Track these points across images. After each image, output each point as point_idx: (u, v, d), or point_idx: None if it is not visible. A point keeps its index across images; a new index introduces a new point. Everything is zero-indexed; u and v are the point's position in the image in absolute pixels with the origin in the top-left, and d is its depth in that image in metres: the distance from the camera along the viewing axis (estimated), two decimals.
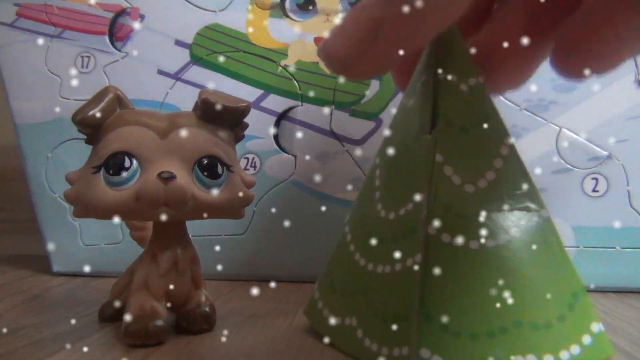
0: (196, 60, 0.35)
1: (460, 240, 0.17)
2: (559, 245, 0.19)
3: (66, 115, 0.34)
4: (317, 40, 0.34)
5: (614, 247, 0.32)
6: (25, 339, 0.23)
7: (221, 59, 0.34)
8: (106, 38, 0.35)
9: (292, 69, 0.34)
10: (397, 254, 0.18)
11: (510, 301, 0.17)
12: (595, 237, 0.32)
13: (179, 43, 0.35)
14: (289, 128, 0.34)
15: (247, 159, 0.34)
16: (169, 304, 0.23)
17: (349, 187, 0.34)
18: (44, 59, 0.35)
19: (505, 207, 0.18)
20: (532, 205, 0.18)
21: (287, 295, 0.31)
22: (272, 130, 0.34)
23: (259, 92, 0.34)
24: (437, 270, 0.17)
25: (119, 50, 0.35)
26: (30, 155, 0.35)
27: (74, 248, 0.35)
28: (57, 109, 0.35)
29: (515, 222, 0.18)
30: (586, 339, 0.18)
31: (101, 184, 0.21)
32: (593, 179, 0.33)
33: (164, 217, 0.21)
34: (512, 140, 0.18)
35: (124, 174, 0.21)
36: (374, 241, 0.19)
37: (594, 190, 0.32)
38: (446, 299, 0.17)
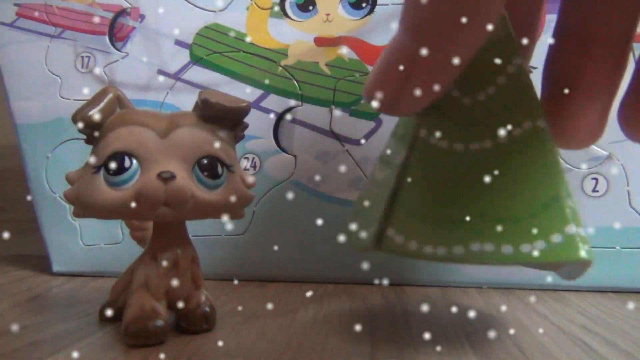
0: (196, 60, 0.35)
1: None
2: (552, 152, 0.18)
3: (66, 115, 0.34)
4: (317, 40, 0.34)
5: (614, 247, 0.32)
6: (25, 339, 0.23)
7: (221, 59, 0.34)
8: (106, 38, 0.35)
9: (292, 69, 0.34)
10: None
11: None
12: (595, 237, 0.32)
13: (179, 43, 0.35)
14: (289, 128, 0.34)
15: (247, 159, 0.34)
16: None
17: (349, 187, 0.34)
18: (44, 59, 0.35)
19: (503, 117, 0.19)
20: (529, 115, 0.19)
21: (287, 295, 0.31)
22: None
23: (259, 92, 0.34)
24: None
25: (119, 50, 0.35)
26: (30, 155, 0.35)
27: (74, 248, 0.35)
28: (57, 109, 0.35)
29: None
30: (556, 237, 0.18)
31: (101, 184, 0.21)
32: (593, 179, 0.33)
33: (164, 217, 0.21)
34: (519, 60, 0.19)
35: (124, 174, 0.21)
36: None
37: (594, 191, 0.32)
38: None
